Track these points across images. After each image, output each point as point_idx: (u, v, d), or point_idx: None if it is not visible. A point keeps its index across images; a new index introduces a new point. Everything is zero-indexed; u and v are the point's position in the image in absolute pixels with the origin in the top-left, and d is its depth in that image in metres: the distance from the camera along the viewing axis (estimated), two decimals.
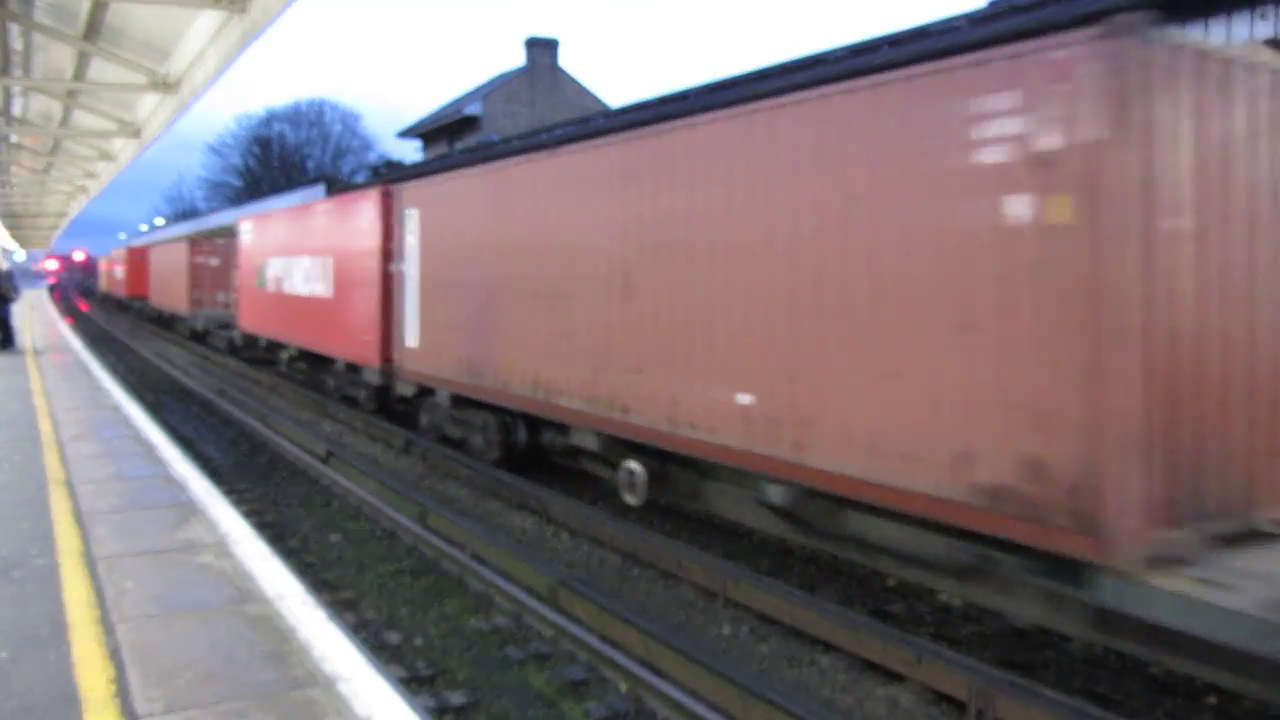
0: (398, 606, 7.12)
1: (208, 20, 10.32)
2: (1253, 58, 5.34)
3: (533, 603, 6.86)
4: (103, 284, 59.90)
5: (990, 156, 5.30)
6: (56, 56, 13.48)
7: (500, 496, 10.24)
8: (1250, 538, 5.09)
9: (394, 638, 6.47)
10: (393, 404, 14.33)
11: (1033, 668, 5.84)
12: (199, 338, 29.23)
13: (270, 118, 77.27)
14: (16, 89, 15.71)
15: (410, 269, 12.76)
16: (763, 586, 6.95)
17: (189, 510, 6.85)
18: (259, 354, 21.61)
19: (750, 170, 7.06)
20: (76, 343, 22.69)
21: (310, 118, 76.95)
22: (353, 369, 14.79)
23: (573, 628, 6.40)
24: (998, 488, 5.23)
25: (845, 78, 6.71)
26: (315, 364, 17.15)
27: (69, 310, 47.69)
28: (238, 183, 76.30)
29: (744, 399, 6.93)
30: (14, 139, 21.55)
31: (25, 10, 11.34)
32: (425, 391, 12.73)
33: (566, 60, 44.39)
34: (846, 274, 6.18)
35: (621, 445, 8.66)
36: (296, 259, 17.35)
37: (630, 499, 8.66)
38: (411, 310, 12.67)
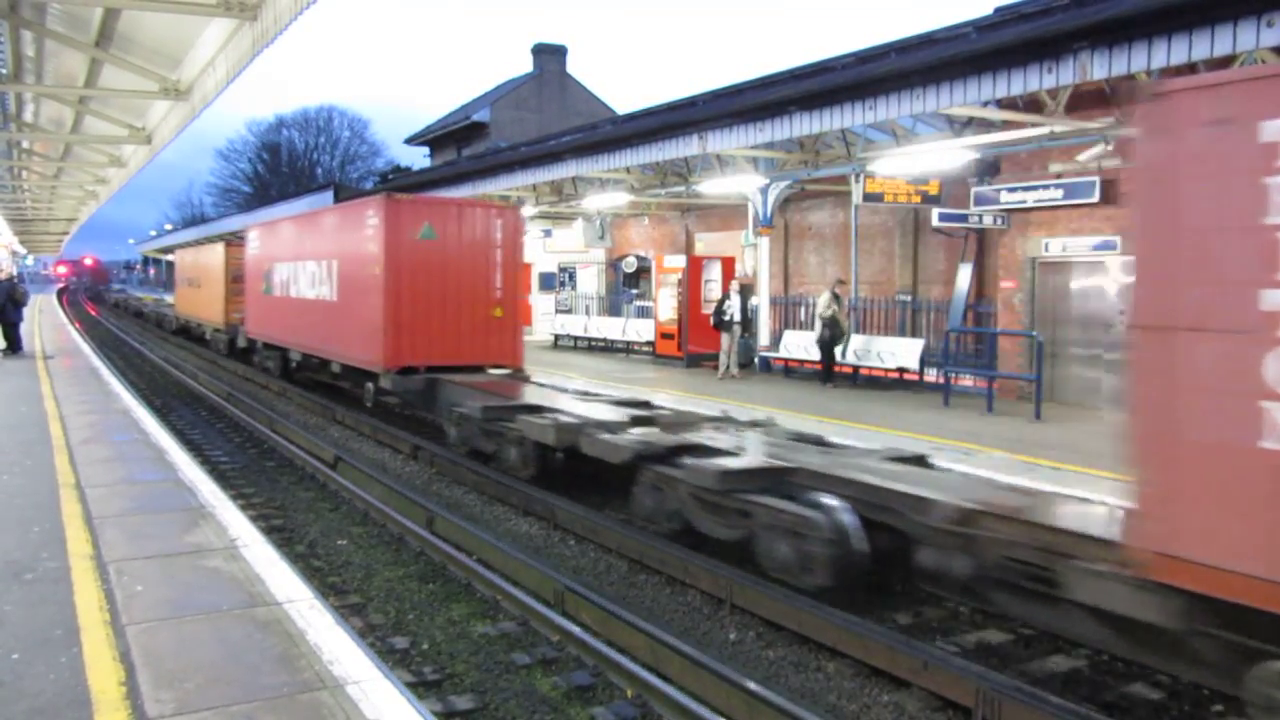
0: (405, 611, 7.15)
1: (219, 28, 10.41)
2: None
3: (539, 608, 6.88)
4: (194, 305, 29.79)
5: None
6: (68, 63, 13.60)
7: (507, 502, 10.27)
8: None
9: (401, 642, 6.49)
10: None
11: (1039, 675, 5.84)
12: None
13: (280, 124, 77.78)
14: (28, 94, 15.84)
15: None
16: (769, 592, 6.96)
17: (198, 514, 6.90)
18: None
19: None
20: (86, 347, 22.82)
21: (319, 124, 77.46)
22: None
23: (579, 633, 6.42)
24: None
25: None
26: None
27: (79, 315, 47.87)
28: (247, 189, 76.69)
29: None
30: (25, 144, 21.71)
31: (38, 17, 11.44)
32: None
33: (575, 67, 44.46)
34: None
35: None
36: None
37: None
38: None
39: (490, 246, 14.29)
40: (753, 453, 8.41)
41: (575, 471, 10.20)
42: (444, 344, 13.95)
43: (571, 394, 13.25)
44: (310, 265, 16.89)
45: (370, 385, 14.72)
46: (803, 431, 9.99)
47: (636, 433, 9.17)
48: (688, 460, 8.20)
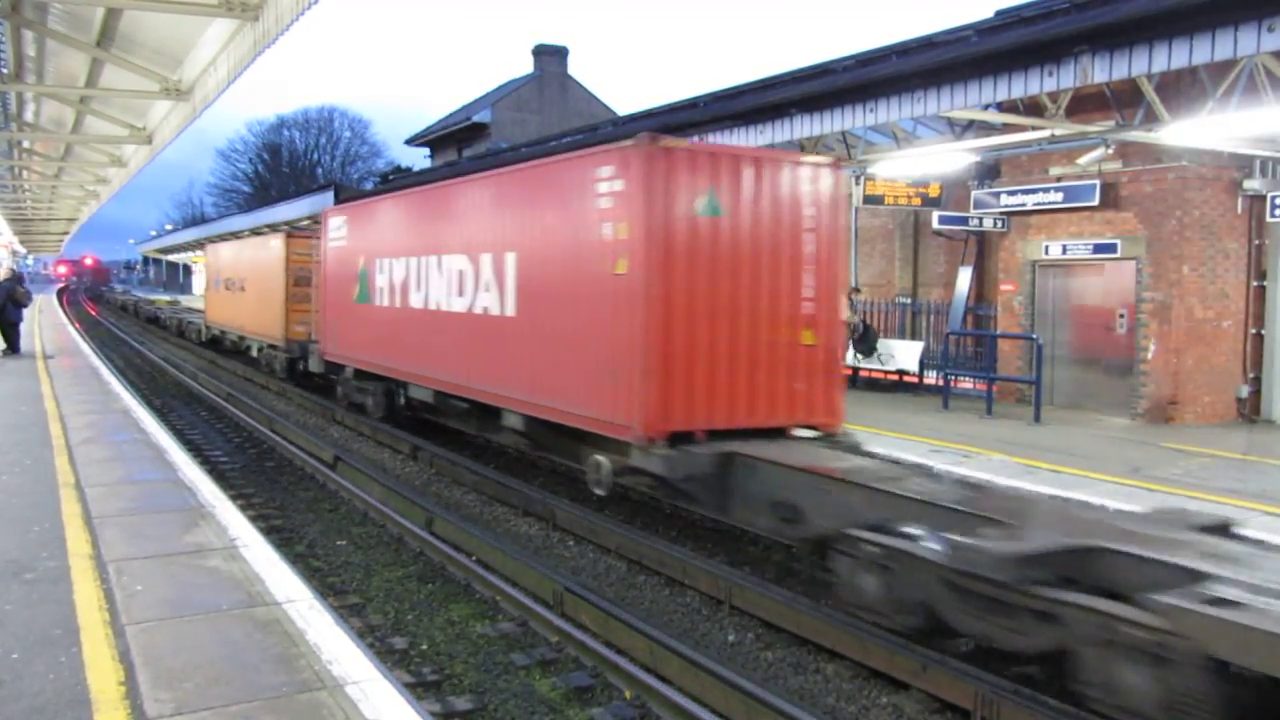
0: (404, 611, 7.15)
1: (220, 28, 10.42)
2: None
3: (538, 608, 6.89)
4: (234, 314, 24.30)
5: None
6: (69, 62, 13.61)
7: (506, 502, 10.27)
8: None
9: (401, 642, 6.50)
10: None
11: (1038, 678, 5.84)
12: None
13: (280, 124, 77.83)
14: (29, 94, 15.86)
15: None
16: (768, 594, 6.96)
17: (198, 514, 6.90)
18: None
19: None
20: (86, 346, 22.82)
21: (320, 124, 77.48)
22: None
23: (578, 634, 6.42)
24: None
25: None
26: None
27: (79, 315, 47.84)
28: (247, 189, 76.74)
29: None
30: (26, 144, 21.73)
31: (39, 17, 11.45)
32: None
33: (576, 68, 44.51)
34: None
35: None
36: None
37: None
38: None
39: (798, 228, 8.77)
40: None
41: None
42: (733, 393, 8.47)
43: (1044, 497, 7.91)
44: (455, 261, 11.30)
45: (602, 460, 8.66)
46: None
47: None
48: None
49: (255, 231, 30.64)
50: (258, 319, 21.38)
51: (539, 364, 9.62)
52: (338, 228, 15.60)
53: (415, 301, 12.46)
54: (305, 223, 26.46)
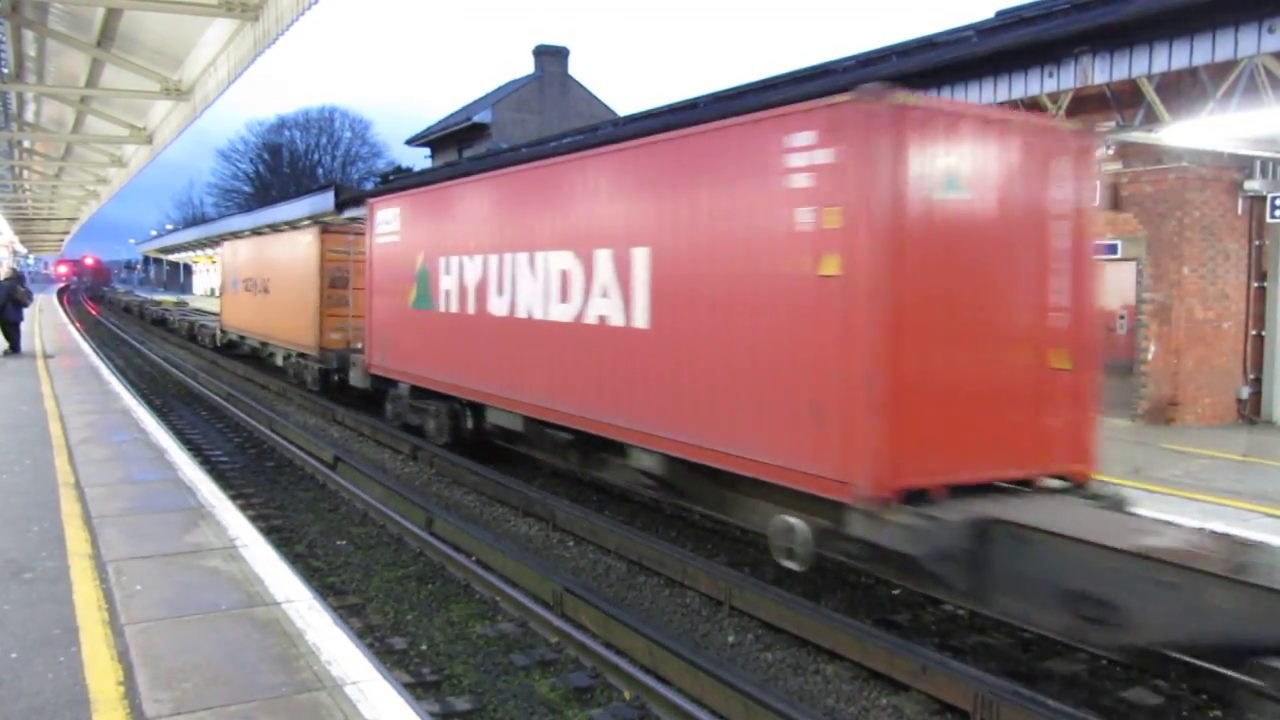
0: (404, 612, 7.15)
1: (220, 28, 10.44)
2: None
3: (538, 609, 6.89)
4: (257, 318, 22.02)
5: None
6: (70, 63, 13.63)
7: (506, 503, 10.27)
8: None
9: (400, 643, 6.50)
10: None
11: (1037, 678, 5.84)
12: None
13: (281, 124, 77.94)
14: (30, 94, 15.88)
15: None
16: (768, 595, 6.95)
17: (198, 514, 6.90)
18: None
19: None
20: (86, 346, 22.82)
21: (320, 124, 77.60)
22: None
23: (578, 634, 6.42)
24: None
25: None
26: None
27: (79, 315, 47.84)
28: (248, 189, 76.83)
29: None
30: (27, 144, 21.76)
31: (40, 17, 11.47)
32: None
33: (576, 68, 44.55)
34: None
35: None
36: None
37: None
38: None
39: (1045, 215, 6.79)
40: None
41: None
42: (972, 434, 6.49)
43: None
44: (555, 258, 9.26)
45: (796, 525, 6.65)
46: None
47: None
48: None
49: (256, 231, 30.21)
50: (285, 324, 19.06)
51: (687, 391, 7.55)
52: (388, 221, 13.34)
53: (496, 308, 10.39)
54: (304, 221, 26.16)
